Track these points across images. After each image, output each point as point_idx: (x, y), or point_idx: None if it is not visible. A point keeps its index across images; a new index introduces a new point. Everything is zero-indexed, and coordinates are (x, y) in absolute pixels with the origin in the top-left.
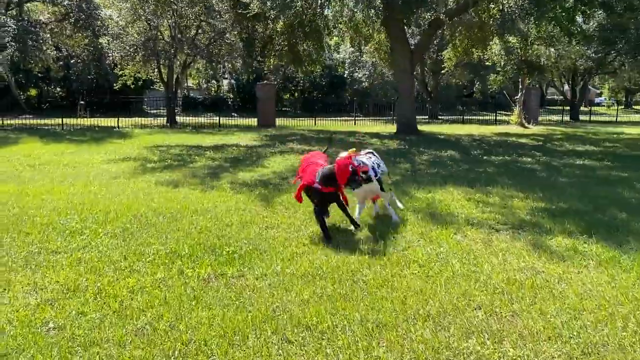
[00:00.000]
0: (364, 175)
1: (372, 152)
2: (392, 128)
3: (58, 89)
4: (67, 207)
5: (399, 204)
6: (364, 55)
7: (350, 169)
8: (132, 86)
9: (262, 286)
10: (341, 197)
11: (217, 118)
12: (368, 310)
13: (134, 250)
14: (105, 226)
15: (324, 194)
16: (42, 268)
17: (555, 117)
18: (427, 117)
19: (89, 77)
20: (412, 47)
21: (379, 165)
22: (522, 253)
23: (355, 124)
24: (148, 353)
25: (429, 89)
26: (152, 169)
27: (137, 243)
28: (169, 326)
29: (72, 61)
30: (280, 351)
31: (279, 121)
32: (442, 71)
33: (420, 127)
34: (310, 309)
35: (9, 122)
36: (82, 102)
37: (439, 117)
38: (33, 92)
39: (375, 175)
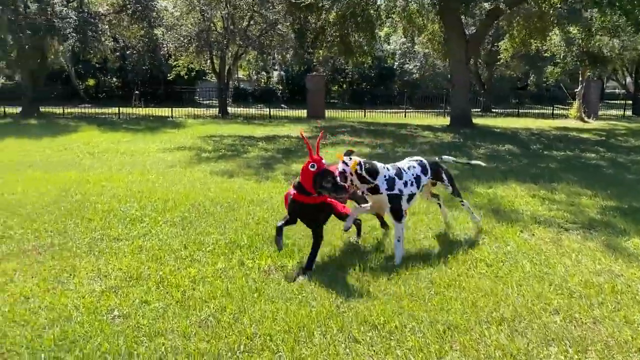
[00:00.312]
0: (344, 181)
1: (421, 162)
2: (443, 121)
3: (114, 79)
4: (127, 195)
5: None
6: (416, 46)
7: (316, 170)
8: (185, 77)
9: (323, 280)
10: (335, 208)
11: (267, 109)
12: (437, 311)
13: (193, 239)
14: (164, 214)
15: (294, 202)
16: (105, 255)
17: (615, 112)
18: (479, 109)
19: (143, 67)
20: (467, 37)
21: (411, 183)
22: (596, 254)
23: (405, 116)
24: (213, 346)
25: (482, 80)
26: (206, 159)
27: (196, 232)
28: (233, 319)
29: (127, 52)
30: (347, 350)
31: (327, 113)
32: (498, 62)
33: (473, 120)
34: (375, 307)
35: (69, 110)
36: (136, 92)
37: (492, 110)
38: (91, 82)
39: (389, 189)
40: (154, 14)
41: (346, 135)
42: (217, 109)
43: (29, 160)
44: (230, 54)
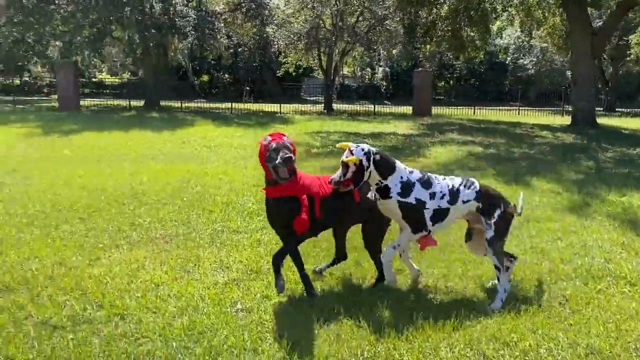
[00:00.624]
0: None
1: (472, 182)
2: (561, 120)
3: (226, 76)
4: (243, 188)
5: (414, 266)
6: (533, 40)
7: (269, 145)
8: (294, 74)
9: (440, 287)
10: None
11: (372, 106)
12: (575, 332)
13: None
14: None
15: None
16: (226, 246)
17: None
18: (602, 108)
19: (254, 64)
20: (594, 30)
21: (442, 196)
22: None
23: (518, 113)
24: (336, 350)
25: (605, 77)
26: (315, 155)
27: None
28: (356, 323)
29: (239, 49)
30: None
31: (434, 110)
32: (627, 58)
33: (597, 120)
34: (505, 323)
35: (186, 105)
36: (247, 88)
37: (617, 109)
38: (205, 78)
39: (402, 195)
40: (267, 12)
41: (455, 134)
42: (323, 105)
43: (151, 153)
44: (337, 50)
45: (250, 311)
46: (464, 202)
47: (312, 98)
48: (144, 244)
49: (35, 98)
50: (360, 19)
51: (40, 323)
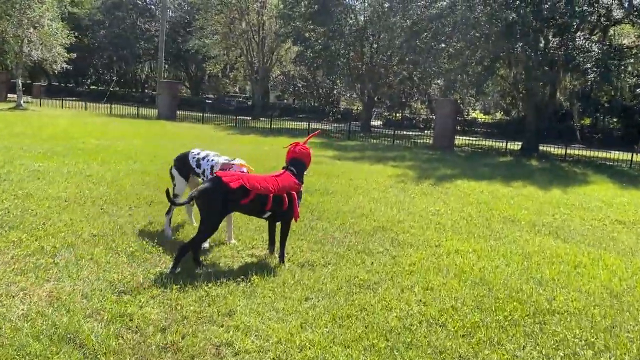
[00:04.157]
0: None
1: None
2: None
3: (614, 120)
4: None
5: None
6: None
7: None
8: None
9: None
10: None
11: None
12: None
13: None
14: None
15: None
16: None
17: None
18: None
19: None
20: None
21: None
22: None
23: None
24: None
25: None
26: None
27: None
28: None
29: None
30: None
31: None
32: None
33: None
34: None
35: (570, 152)
36: None
37: None
38: (587, 121)
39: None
40: None
41: None
42: None
43: (547, 222)
44: None
45: None
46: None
47: None
48: None
49: (411, 133)
50: None
51: None
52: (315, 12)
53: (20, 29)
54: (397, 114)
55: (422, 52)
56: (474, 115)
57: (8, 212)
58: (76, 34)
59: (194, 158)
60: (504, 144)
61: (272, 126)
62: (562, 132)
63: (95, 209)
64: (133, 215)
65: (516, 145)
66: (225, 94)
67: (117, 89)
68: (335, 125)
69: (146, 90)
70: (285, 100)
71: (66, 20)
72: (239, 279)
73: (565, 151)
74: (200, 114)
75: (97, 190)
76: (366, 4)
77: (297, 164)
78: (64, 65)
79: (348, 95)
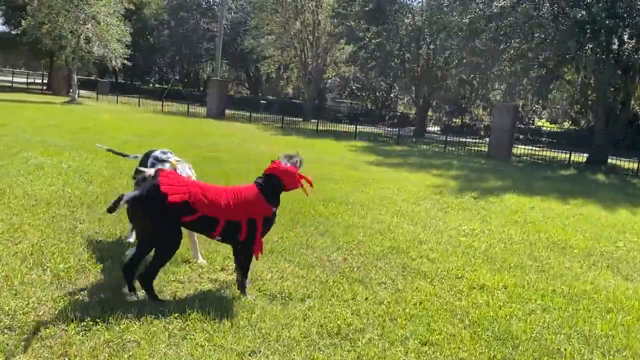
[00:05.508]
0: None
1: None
2: None
3: None
4: None
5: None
6: None
7: None
8: None
9: None
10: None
11: None
12: None
13: None
14: None
15: None
16: None
17: None
18: None
19: None
20: None
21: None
22: None
23: None
24: None
25: None
26: None
27: None
28: None
29: None
30: None
31: None
32: None
33: None
34: None
35: None
36: None
37: None
38: None
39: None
40: None
41: None
42: None
43: (619, 255)
44: None
45: None
46: None
47: None
48: None
49: (468, 140)
50: None
51: None
52: (369, 11)
53: (77, 25)
54: (456, 120)
55: (482, 53)
56: (539, 123)
57: None
58: (145, 33)
59: (154, 158)
60: (568, 155)
61: (319, 128)
62: (636, 144)
63: (63, 210)
64: (103, 221)
65: (582, 157)
66: (284, 96)
67: (180, 87)
68: (388, 129)
69: (207, 90)
70: (341, 103)
71: (133, 20)
72: (174, 316)
73: (639, 165)
74: (248, 114)
75: (84, 190)
76: (423, 3)
77: (271, 180)
78: (124, 62)
79: (406, 99)
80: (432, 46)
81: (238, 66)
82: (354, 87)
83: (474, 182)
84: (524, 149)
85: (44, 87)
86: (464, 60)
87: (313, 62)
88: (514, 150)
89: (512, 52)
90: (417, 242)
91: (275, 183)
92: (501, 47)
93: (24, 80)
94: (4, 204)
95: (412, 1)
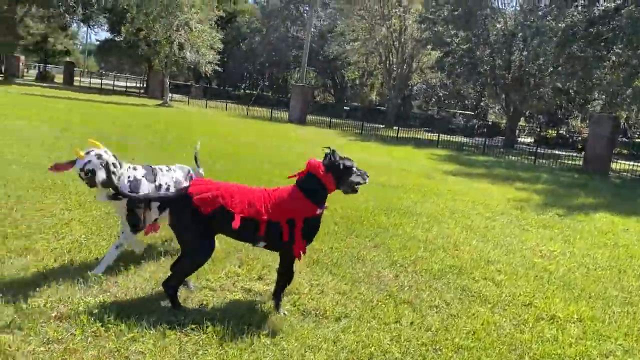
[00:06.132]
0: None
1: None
2: None
3: None
4: None
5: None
6: None
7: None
8: None
9: None
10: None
11: None
12: None
13: None
14: None
15: None
16: None
17: None
18: None
19: None
20: None
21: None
22: None
23: None
24: None
25: None
26: None
27: None
28: None
29: None
30: None
31: None
32: None
33: None
34: None
35: None
36: None
37: None
38: None
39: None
40: None
41: None
42: None
43: None
44: None
45: None
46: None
47: None
48: None
49: (563, 153)
50: None
51: None
52: (459, 16)
53: (170, 31)
54: (552, 132)
55: (580, 60)
56: None
57: None
58: (238, 40)
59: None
60: None
61: (400, 135)
62: None
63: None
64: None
65: None
66: (369, 102)
67: (269, 93)
68: (475, 139)
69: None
70: (428, 111)
71: (228, 29)
72: (190, 328)
73: None
74: (328, 119)
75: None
76: (517, 8)
77: (312, 180)
78: (215, 68)
79: (496, 108)
80: (524, 52)
81: (325, 73)
82: (441, 95)
83: (562, 197)
84: (625, 164)
85: (141, 91)
86: (559, 68)
87: (398, 68)
88: (613, 165)
89: (614, 58)
90: (484, 261)
91: (314, 182)
92: (602, 53)
93: (124, 84)
94: (62, 198)
95: (504, 6)
